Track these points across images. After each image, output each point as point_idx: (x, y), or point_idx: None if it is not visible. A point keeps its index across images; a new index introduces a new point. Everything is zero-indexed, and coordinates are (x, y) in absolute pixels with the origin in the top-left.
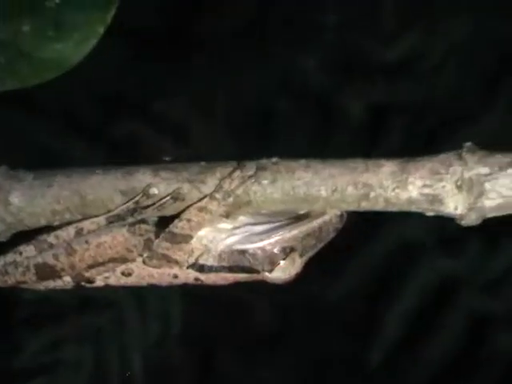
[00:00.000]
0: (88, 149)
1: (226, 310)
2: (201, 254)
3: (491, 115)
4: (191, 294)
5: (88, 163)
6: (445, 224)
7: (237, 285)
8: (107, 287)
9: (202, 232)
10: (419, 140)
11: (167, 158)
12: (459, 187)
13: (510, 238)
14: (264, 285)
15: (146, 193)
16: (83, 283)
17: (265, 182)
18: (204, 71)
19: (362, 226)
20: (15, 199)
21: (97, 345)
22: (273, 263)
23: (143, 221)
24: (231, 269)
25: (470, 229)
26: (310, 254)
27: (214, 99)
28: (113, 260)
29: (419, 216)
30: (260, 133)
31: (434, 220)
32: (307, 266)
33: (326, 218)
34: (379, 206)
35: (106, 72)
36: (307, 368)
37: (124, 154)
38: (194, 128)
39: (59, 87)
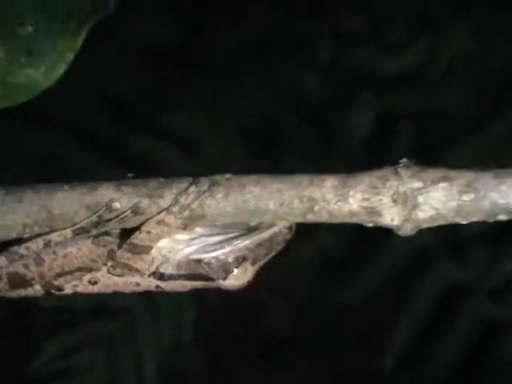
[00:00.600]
0: (99, 162)
1: (238, 316)
2: (160, 264)
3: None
4: (203, 300)
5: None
6: (452, 232)
7: (251, 289)
8: (76, 294)
9: (161, 243)
10: (423, 152)
11: (130, 175)
12: (395, 200)
13: None
14: (278, 288)
15: (108, 207)
16: (53, 291)
17: (218, 196)
18: (211, 87)
19: (374, 234)
20: None
21: (110, 351)
22: (226, 271)
23: (106, 233)
24: (188, 277)
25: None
26: (261, 262)
27: (221, 113)
28: (79, 269)
29: None
30: (268, 146)
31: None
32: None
33: (276, 229)
34: (323, 219)
35: (118, 86)
36: (321, 373)
37: (134, 167)
38: (202, 141)
39: (70, 101)
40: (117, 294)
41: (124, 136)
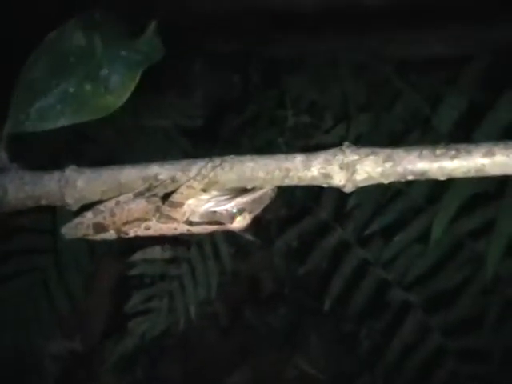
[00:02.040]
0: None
1: (243, 282)
2: (190, 214)
3: None
4: (223, 271)
5: None
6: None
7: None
8: (137, 237)
9: (189, 201)
10: None
11: (169, 158)
12: (341, 168)
13: None
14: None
15: (155, 178)
16: (122, 235)
17: (226, 169)
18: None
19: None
20: (79, 184)
21: (170, 300)
22: (232, 218)
23: (155, 195)
24: (208, 223)
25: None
26: (256, 212)
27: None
28: (137, 219)
29: None
30: None
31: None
32: None
33: (264, 190)
34: (295, 182)
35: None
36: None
37: None
38: None
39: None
40: (163, 237)
41: None
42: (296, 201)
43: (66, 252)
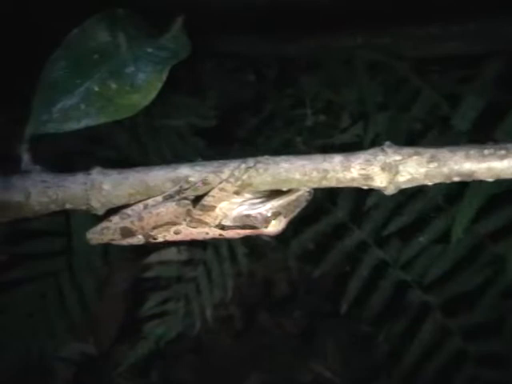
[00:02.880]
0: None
1: (257, 286)
2: (222, 218)
3: None
4: (239, 274)
5: None
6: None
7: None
8: (165, 242)
9: (222, 204)
10: None
11: (199, 159)
12: (383, 169)
13: None
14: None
15: (186, 180)
16: (150, 239)
17: (260, 170)
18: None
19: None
20: (106, 187)
21: (186, 303)
22: (267, 222)
23: (185, 198)
24: (241, 227)
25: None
26: (291, 216)
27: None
28: (167, 223)
29: None
30: None
31: None
32: None
33: (300, 192)
34: (333, 184)
35: None
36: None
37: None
38: None
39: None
40: (193, 241)
41: None
42: (312, 200)
43: (79, 254)
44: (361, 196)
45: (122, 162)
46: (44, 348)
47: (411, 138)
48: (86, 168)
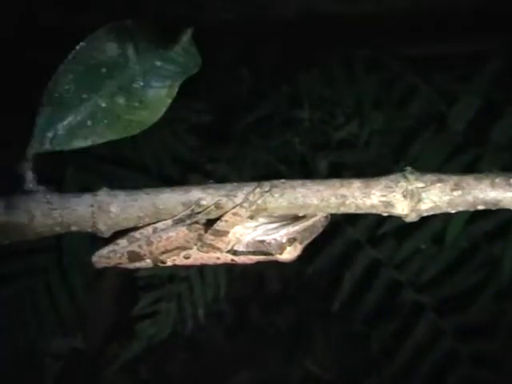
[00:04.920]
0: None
1: (250, 282)
2: (234, 243)
3: None
4: (232, 273)
5: None
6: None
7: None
8: (174, 266)
9: (235, 229)
10: None
11: (211, 181)
12: (405, 196)
13: None
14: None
15: (197, 204)
16: (158, 264)
17: (276, 195)
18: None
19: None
20: (113, 209)
21: (178, 302)
22: (282, 249)
23: (196, 222)
24: (254, 253)
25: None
26: (307, 242)
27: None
28: (177, 248)
29: None
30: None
31: None
32: None
33: (317, 218)
34: (352, 210)
35: None
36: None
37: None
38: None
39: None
40: (203, 266)
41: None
42: None
43: (68, 251)
44: None
45: (115, 159)
46: (33, 343)
47: (407, 137)
48: (80, 166)
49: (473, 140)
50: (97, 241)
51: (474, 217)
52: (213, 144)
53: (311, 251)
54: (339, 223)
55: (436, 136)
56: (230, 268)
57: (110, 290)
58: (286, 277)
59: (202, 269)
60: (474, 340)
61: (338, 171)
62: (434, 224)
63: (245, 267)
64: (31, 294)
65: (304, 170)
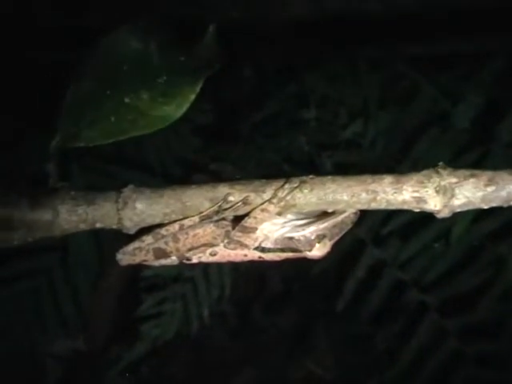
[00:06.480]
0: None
1: (252, 282)
2: (262, 240)
3: None
4: (236, 274)
5: None
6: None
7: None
8: (200, 263)
9: (263, 225)
10: None
11: (238, 176)
12: (437, 191)
13: None
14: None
15: (225, 200)
16: (184, 261)
17: (305, 191)
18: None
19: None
20: (139, 205)
21: (183, 302)
22: (311, 245)
23: (224, 218)
24: (283, 250)
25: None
26: (336, 238)
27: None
28: (204, 245)
29: None
30: None
31: None
32: None
33: (346, 214)
34: (383, 206)
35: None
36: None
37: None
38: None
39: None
40: (229, 263)
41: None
42: None
43: (73, 251)
44: None
45: (119, 159)
46: (35, 344)
47: (411, 136)
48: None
49: (478, 138)
50: (101, 242)
51: (480, 216)
52: (218, 144)
53: None
54: None
55: (441, 135)
56: (234, 268)
57: (113, 291)
58: (288, 277)
59: (206, 269)
60: (478, 340)
61: (344, 171)
62: (439, 223)
63: (248, 267)
64: (34, 295)
65: (310, 170)
